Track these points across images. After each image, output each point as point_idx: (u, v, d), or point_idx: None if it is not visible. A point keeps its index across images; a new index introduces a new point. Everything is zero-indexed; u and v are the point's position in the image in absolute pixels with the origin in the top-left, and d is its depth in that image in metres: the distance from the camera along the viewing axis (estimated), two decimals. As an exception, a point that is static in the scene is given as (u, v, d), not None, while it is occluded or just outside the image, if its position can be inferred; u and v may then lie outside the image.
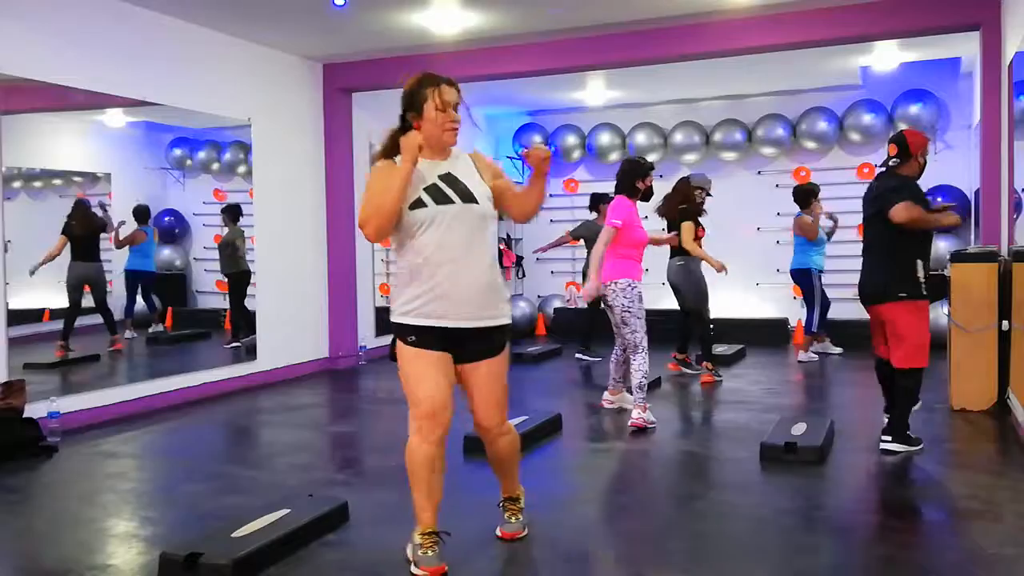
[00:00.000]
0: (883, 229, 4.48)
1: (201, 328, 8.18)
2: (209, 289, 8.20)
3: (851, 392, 6.77)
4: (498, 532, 3.37)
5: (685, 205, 6.81)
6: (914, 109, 8.91)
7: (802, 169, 9.63)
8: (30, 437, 4.87)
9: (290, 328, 7.63)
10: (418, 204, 2.93)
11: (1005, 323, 5.31)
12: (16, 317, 5.47)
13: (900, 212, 4.35)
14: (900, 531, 3.47)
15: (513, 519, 3.37)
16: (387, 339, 10.15)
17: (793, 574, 3.07)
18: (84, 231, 6.85)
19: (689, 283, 6.90)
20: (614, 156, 10.33)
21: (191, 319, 8.29)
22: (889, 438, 4.58)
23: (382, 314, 8.91)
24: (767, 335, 9.09)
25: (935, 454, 4.68)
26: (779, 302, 9.69)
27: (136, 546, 3.39)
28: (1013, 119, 5.58)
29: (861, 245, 4.77)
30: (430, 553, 2.96)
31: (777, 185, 9.74)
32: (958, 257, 5.62)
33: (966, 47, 7.49)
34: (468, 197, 2.98)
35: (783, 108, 9.62)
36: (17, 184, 6.26)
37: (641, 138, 10.10)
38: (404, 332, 3.00)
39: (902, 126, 8.99)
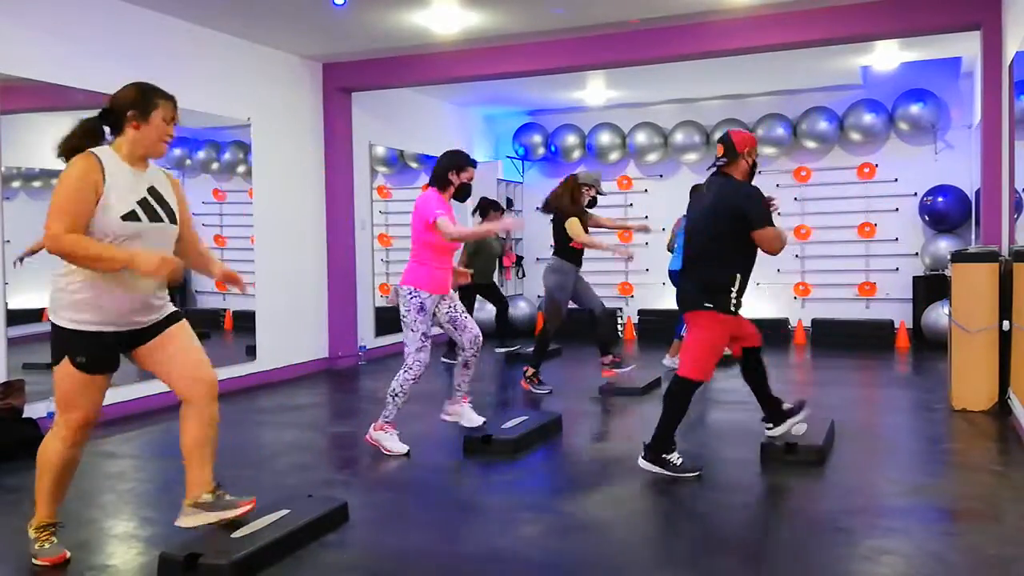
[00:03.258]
0: (724, 233, 4.06)
1: (201, 328, 8.16)
2: (209, 289, 8.18)
3: (851, 392, 6.77)
4: None
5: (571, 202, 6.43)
6: (914, 109, 8.90)
7: (803, 169, 9.63)
8: (30, 437, 4.87)
9: (290, 328, 7.63)
10: (132, 217, 2.96)
11: (1006, 323, 5.31)
12: (16, 317, 5.47)
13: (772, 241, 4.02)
14: (900, 531, 3.47)
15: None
16: (387, 339, 9.98)
17: (793, 574, 3.06)
18: None
19: (551, 285, 6.58)
20: (614, 156, 10.35)
21: (191, 319, 8.26)
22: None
23: (382, 314, 8.90)
24: (767, 335, 9.03)
25: (935, 454, 4.68)
26: (779, 302, 9.69)
27: (136, 546, 3.40)
28: (1014, 119, 5.57)
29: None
30: (47, 545, 3.18)
31: (778, 185, 9.71)
32: (959, 257, 5.62)
33: (966, 47, 7.49)
34: (172, 218, 3.13)
35: (783, 108, 9.61)
36: (17, 184, 6.26)
37: (641, 138, 10.11)
38: (81, 344, 2.99)
39: (903, 126, 9.01)
